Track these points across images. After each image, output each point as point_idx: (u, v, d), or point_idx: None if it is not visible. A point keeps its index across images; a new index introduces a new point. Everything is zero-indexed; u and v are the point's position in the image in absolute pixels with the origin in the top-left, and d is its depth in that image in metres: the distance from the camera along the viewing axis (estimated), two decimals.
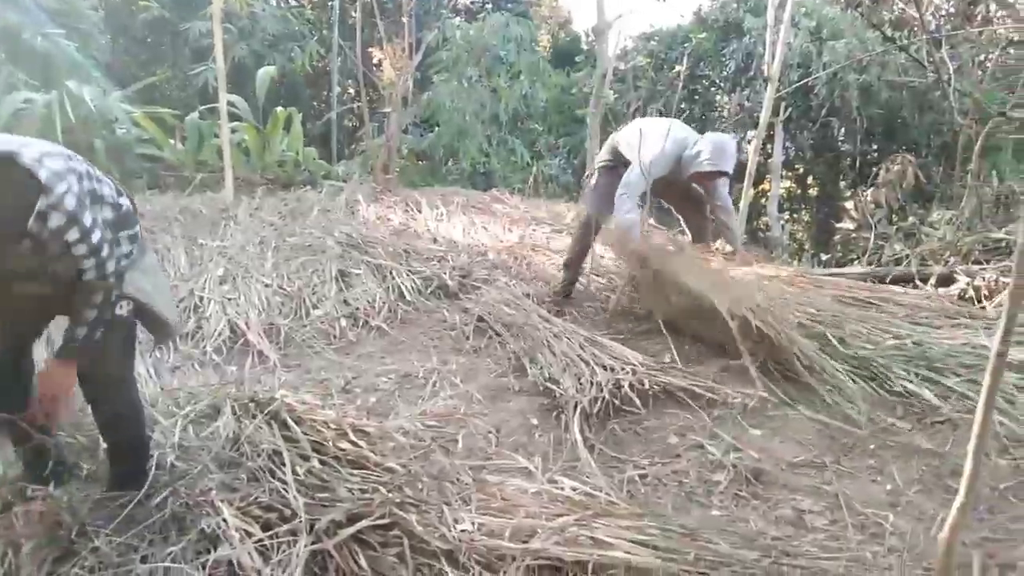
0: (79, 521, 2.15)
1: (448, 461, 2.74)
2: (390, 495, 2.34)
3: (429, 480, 2.55)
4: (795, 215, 13.48)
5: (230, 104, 7.32)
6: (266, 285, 4.46)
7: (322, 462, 2.57)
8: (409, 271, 4.71)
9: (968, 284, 4.02)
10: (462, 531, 2.24)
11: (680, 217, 4.58)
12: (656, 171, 3.98)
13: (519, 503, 2.44)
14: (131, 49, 10.78)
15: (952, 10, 9.36)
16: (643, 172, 3.94)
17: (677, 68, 12.38)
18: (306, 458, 2.58)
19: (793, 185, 13.26)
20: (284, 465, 2.51)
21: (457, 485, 2.55)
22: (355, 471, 2.55)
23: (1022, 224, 1.06)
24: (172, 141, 7.82)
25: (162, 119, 7.79)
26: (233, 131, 7.43)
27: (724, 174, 4.02)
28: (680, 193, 4.30)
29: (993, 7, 8.59)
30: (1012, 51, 7.69)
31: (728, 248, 4.33)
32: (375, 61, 7.63)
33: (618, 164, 4.27)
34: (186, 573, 2.04)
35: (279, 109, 7.92)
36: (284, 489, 2.37)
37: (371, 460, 2.62)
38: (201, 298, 4.26)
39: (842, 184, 12.75)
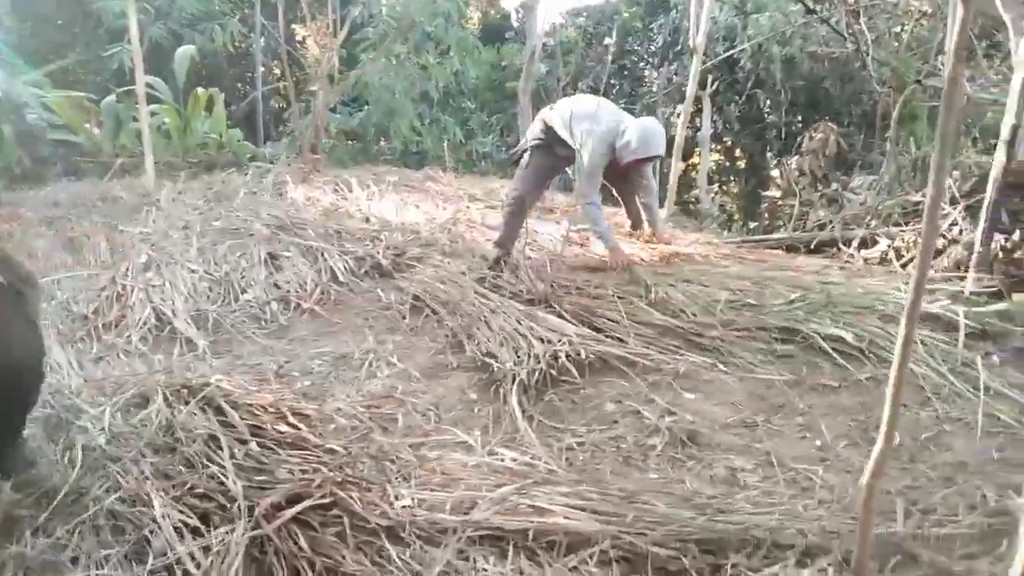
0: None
1: (387, 440, 2.72)
2: (330, 475, 2.32)
3: (369, 459, 2.53)
4: (724, 187, 13.76)
5: (149, 86, 7.05)
6: (192, 271, 4.32)
7: (260, 445, 2.53)
8: (341, 252, 4.63)
9: (889, 246, 4.17)
10: (403, 507, 2.23)
11: (620, 198, 4.69)
12: (600, 163, 4.19)
13: (459, 476, 2.44)
14: (41, 31, 10.25)
15: None
16: (587, 174, 4.17)
17: (606, 42, 12.43)
18: (244, 442, 2.53)
19: (722, 157, 13.51)
20: (221, 449, 2.46)
21: (397, 463, 2.53)
22: (294, 452, 2.51)
23: (932, 180, 1.10)
24: (88, 125, 7.49)
25: (76, 103, 7.45)
26: (153, 114, 7.17)
27: (656, 158, 4.14)
28: (618, 174, 4.39)
29: None
30: (925, 22, 7.97)
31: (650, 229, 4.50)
32: (299, 39, 7.43)
33: (552, 142, 4.30)
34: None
35: (200, 90, 7.66)
36: (222, 474, 2.33)
37: (310, 442, 2.59)
38: (124, 286, 4.11)
39: (768, 154, 13.05)
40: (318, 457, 2.46)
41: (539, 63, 10.92)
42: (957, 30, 1.03)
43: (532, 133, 4.48)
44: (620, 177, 4.47)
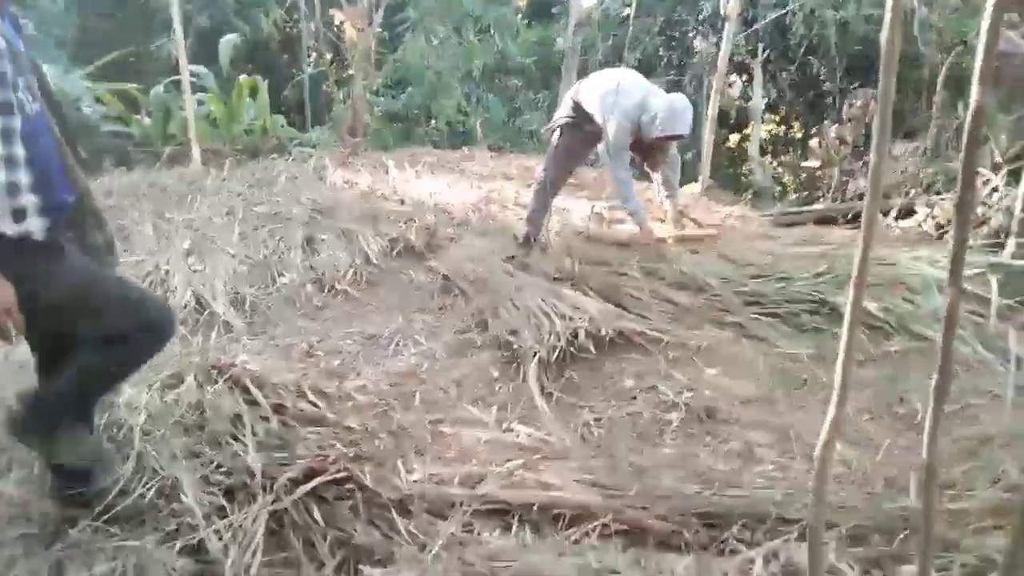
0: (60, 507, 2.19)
1: (406, 417, 2.79)
2: (345, 450, 2.40)
3: (386, 435, 2.60)
4: (780, 158, 13.42)
5: (194, 75, 7.23)
6: (232, 255, 4.46)
7: (282, 423, 2.62)
8: (375, 234, 4.70)
9: (928, 215, 4.04)
10: (413, 481, 2.30)
11: (649, 169, 4.63)
12: (624, 141, 4.13)
13: (473, 452, 2.50)
14: (94, 24, 10.59)
15: None
16: (613, 150, 4.12)
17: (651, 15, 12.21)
18: (266, 419, 2.62)
19: (776, 127, 13.16)
20: (244, 427, 2.55)
21: (414, 439, 2.60)
22: (314, 430, 2.60)
23: (964, 156, 1.08)
24: (138, 116, 7.74)
25: (127, 94, 7.70)
26: (199, 103, 7.36)
27: (680, 137, 4.08)
28: (642, 149, 4.33)
29: None
30: None
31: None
32: (337, 23, 7.51)
33: (581, 120, 4.28)
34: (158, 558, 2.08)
35: (243, 77, 7.82)
36: (244, 452, 2.42)
37: (329, 420, 2.67)
38: (167, 272, 4.26)
39: (826, 123, 12.65)
40: (335, 434, 2.54)
41: (582, 38, 10.82)
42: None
43: (562, 112, 4.48)
44: (644, 152, 4.39)
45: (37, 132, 1.88)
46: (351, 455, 2.33)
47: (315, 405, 2.71)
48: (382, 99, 9.93)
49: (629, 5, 13.10)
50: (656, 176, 4.54)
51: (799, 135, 13.00)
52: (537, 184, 4.59)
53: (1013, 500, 2.11)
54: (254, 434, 2.48)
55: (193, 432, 2.60)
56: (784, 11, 10.31)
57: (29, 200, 1.80)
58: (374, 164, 6.47)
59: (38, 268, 1.85)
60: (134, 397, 2.84)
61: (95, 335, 1.99)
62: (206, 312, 3.94)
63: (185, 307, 3.95)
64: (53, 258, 1.89)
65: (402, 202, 5.40)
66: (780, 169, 13.11)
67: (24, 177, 1.79)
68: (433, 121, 10.74)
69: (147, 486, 2.30)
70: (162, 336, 2.11)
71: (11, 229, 1.77)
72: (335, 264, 4.43)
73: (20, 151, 1.79)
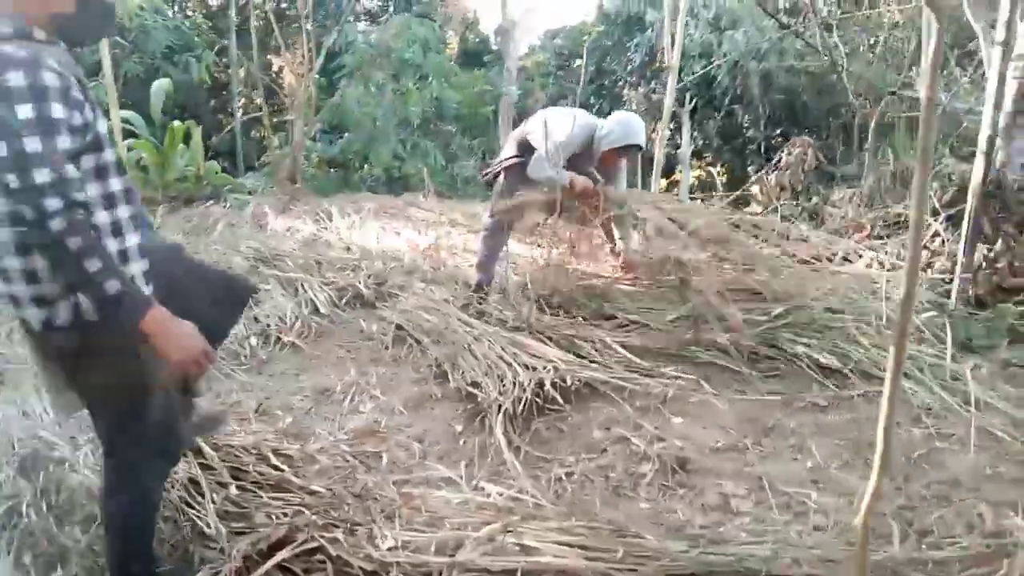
0: None
1: (371, 478, 2.65)
2: (313, 518, 2.25)
3: (352, 500, 2.46)
4: (706, 203, 13.78)
5: (125, 121, 6.99)
6: None
7: (242, 488, 2.46)
8: (322, 282, 4.56)
9: (872, 259, 4.16)
10: (387, 550, 2.16)
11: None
12: (566, 150, 3.99)
13: (445, 514, 2.38)
14: None
15: None
16: (553, 151, 3.94)
17: (576, 63, 12.51)
18: (224, 485, 2.46)
19: (703, 173, 13.57)
20: (202, 495, 2.38)
21: (381, 502, 2.47)
22: (277, 496, 2.44)
23: (914, 199, 1.06)
24: None
25: None
26: (129, 149, 7.10)
27: (637, 147, 4.07)
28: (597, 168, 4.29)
29: None
30: (897, 33, 8.04)
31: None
32: (275, 69, 7.41)
33: (526, 158, 4.21)
34: None
35: (176, 123, 7.60)
36: (204, 521, 2.25)
37: (294, 484, 2.52)
38: None
39: (750, 169, 13.12)
40: (301, 500, 2.39)
41: (517, 85, 10.97)
42: (933, 47, 1.00)
43: (506, 153, 4.40)
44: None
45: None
46: (320, 523, 2.19)
47: (277, 468, 2.55)
48: (319, 145, 9.82)
49: (561, 55, 13.44)
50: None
51: (724, 180, 13.45)
52: (484, 230, 4.51)
53: (994, 546, 2.12)
54: (213, 502, 2.31)
55: None
56: (711, 62, 10.70)
57: (142, 266, 1.72)
58: (315, 210, 6.34)
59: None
60: (69, 455, 2.64)
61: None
62: None
63: None
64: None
65: (348, 249, 5.28)
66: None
67: (138, 239, 1.71)
68: (367, 167, 10.67)
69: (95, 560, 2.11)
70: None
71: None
72: (280, 315, 4.26)
73: (140, 210, 1.74)
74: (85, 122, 1.56)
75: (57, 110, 1.47)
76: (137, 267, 1.68)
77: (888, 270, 3.95)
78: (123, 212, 1.66)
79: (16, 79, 1.44)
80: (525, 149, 4.18)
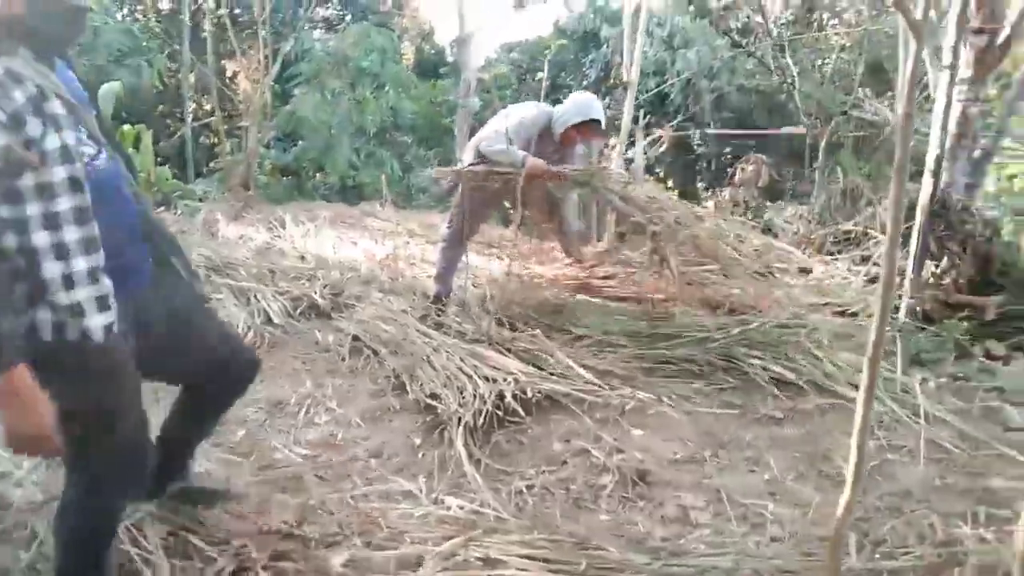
0: None
1: (326, 492, 2.59)
2: (271, 537, 2.19)
3: (310, 518, 2.40)
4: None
5: None
6: None
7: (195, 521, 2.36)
8: (276, 292, 4.48)
9: (824, 273, 4.26)
10: (344, 566, 2.12)
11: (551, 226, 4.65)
12: (526, 131, 4.01)
13: (404, 529, 2.34)
14: None
15: (791, 18, 10.00)
16: (513, 131, 3.97)
17: (539, 76, 12.59)
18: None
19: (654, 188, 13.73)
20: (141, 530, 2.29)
21: (338, 517, 2.42)
22: (231, 513, 2.37)
23: (891, 213, 1.08)
24: None
25: None
26: None
27: (596, 122, 4.11)
28: (540, 196, 4.32)
29: (826, 16, 9.23)
30: (845, 55, 8.30)
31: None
32: (230, 74, 7.28)
33: (488, 165, 4.17)
34: None
35: (126, 127, 7.41)
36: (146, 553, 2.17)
37: (248, 503, 2.45)
38: None
39: (700, 185, 13.35)
40: (257, 519, 2.32)
41: (474, 97, 10.99)
42: (910, 66, 1.02)
43: (466, 160, 4.36)
44: (540, 200, 4.35)
45: (108, 188, 1.63)
46: (278, 548, 2.13)
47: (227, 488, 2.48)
48: (273, 152, 9.67)
49: (520, 68, 13.52)
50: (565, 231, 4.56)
51: (676, 195, 13.64)
52: (443, 241, 4.47)
53: (946, 556, 2.17)
54: (163, 539, 2.23)
55: None
56: (664, 80, 10.89)
57: (108, 287, 1.58)
58: (268, 219, 6.24)
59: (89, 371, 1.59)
60: (10, 471, 2.53)
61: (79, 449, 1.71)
62: None
63: None
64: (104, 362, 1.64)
65: (303, 258, 5.19)
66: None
67: (102, 259, 1.57)
68: (321, 175, 10.56)
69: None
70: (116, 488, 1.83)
71: (98, 319, 1.56)
72: (233, 325, 4.16)
73: (95, 229, 1.56)
74: (23, 140, 1.44)
75: None
76: (85, 293, 1.55)
77: (840, 283, 4.04)
78: (71, 234, 1.52)
79: None
80: (483, 155, 4.18)
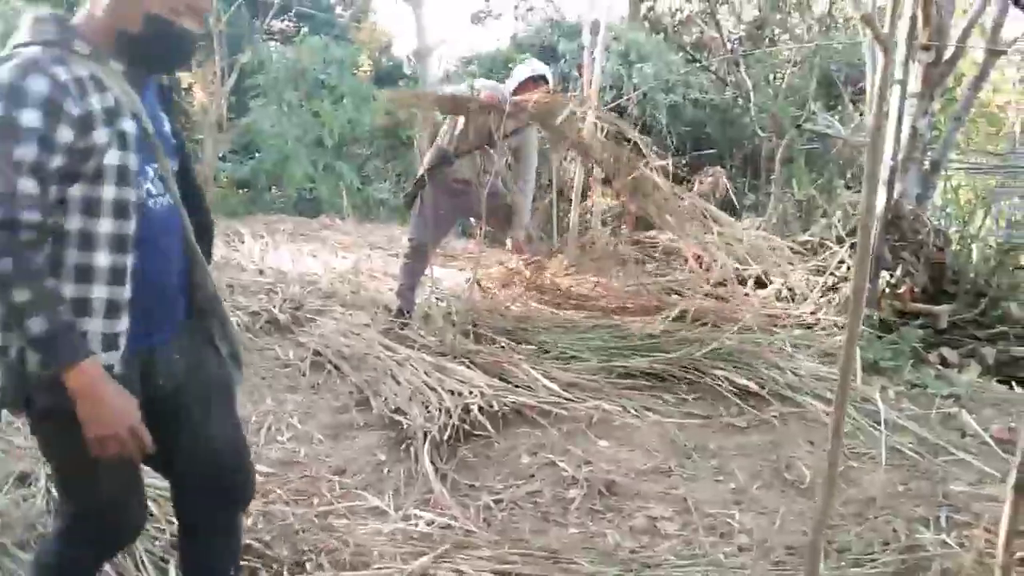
0: None
1: (292, 511, 2.54)
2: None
3: (274, 537, 2.34)
4: (616, 229, 14.11)
5: None
6: None
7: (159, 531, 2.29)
8: (234, 307, 4.38)
9: (782, 285, 4.33)
10: None
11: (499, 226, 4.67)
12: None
13: (373, 547, 2.30)
14: None
15: (743, 33, 10.21)
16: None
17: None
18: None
19: (614, 200, 13.86)
20: None
21: (304, 537, 2.36)
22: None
23: (862, 222, 1.09)
24: None
25: None
26: None
27: (543, 78, 4.32)
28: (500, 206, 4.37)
29: (777, 31, 9.45)
30: (796, 70, 8.50)
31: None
32: (184, 86, 7.17)
33: (442, 164, 4.14)
34: None
35: None
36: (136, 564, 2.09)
37: None
38: None
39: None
40: None
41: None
42: (879, 78, 1.04)
43: (426, 163, 4.31)
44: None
45: (160, 233, 1.51)
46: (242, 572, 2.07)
47: None
48: (228, 164, 9.51)
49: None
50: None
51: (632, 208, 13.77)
52: (404, 255, 4.45)
53: (910, 561, 2.20)
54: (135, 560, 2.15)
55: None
56: (620, 93, 11.00)
57: (123, 326, 1.45)
58: (225, 232, 6.12)
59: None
60: None
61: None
62: None
63: None
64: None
65: (261, 272, 5.11)
66: (616, 239, 13.81)
67: (127, 294, 1.45)
68: (274, 188, 10.41)
69: None
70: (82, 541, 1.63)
71: (102, 357, 1.41)
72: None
73: (129, 261, 1.44)
74: (86, 145, 1.36)
75: (30, 118, 1.30)
76: (96, 324, 1.43)
77: (794, 295, 4.12)
78: (101, 259, 1.41)
79: None
80: (443, 158, 4.17)
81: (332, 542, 2.29)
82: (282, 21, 13.87)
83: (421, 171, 4.32)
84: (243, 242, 5.83)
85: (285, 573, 2.09)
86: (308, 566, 2.13)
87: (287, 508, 2.55)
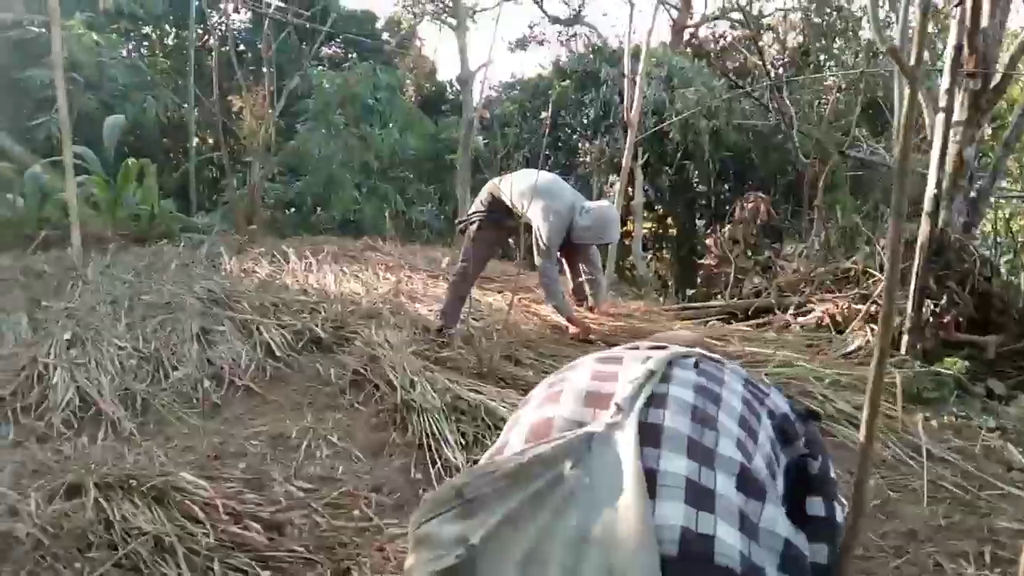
0: None
1: (335, 527, 2.58)
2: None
3: (323, 555, 2.39)
4: (658, 254, 14.08)
5: (77, 156, 6.86)
6: (120, 348, 4.12)
7: (209, 548, 2.35)
8: (278, 325, 4.49)
9: (824, 312, 4.28)
10: None
11: (566, 266, 4.80)
12: (557, 242, 4.35)
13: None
14: None
15: (787, 60, 10.16)
16: (546, 250, 4.32)
17: (543, 115, 12.74)
18: (194, 544, 2.35)
19: (654, 225, 13.85)
20: (167, 553, 2.28)
21: (346, 550, 2.41)
22: (249, 556, 2.36)
23: (889, 254, 1.10)
24: (10, 196, 7.21)
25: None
26: (80, 184, 6.95)
27: (608, 243, 4.54)
28: (566, 249, 4.61)
29: (823, 57, 9.39)
30: (841, 96, 8.42)
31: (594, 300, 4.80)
32: (235, 110, 7.38)
33: (499, 215, 4.37)
34: None
35: (131, 160, 7.48)
36: None
37: (264, 543, 2.43)
38: (45, 365, 3.88)
39: (699, 223, 13.45)
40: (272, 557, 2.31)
41: (476, 135, 11.12)
42: (904, 109, 1.05)
43: (478, 205, 4.54)
44: (568, 251, 4.58)
45: None
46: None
47: (243, 526, 2.47)
48: (277, 186, 9.75)
49: (523, 107, 13.67)
50: (579, 274, 4.72)
51: (674, 232, 13.73)
52: (454, 276, 4.60)
53: None
54: (189, 566, 2.22)
55: (102, 549, 2.31)
56: (663, 118, 11.02)
57: None
58: (271, 252, 6.26)
59: None
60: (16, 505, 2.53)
61: None
62: (91, 410, 3.60)
63: (67, 405, 3.59)
64: None
65: (305, 292, 5.21)
66: (657, 264, 13.77)
67: None
68: (320, 210, 10.63)
69: None
70: None
71: None
72: (234, 357, 4.17)
73: None
74: None
75: None
76: None
77: (839, 324, 4.06)
78: None
79: None
80: (497, 203, 4.40)
81: (374, 553, 2.33)
82: (330, 47, 14.22)
83: (476, 207, 4.48)
84: (288, 262, 5.95)
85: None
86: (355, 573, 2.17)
87: (323, 520, 2.60)
